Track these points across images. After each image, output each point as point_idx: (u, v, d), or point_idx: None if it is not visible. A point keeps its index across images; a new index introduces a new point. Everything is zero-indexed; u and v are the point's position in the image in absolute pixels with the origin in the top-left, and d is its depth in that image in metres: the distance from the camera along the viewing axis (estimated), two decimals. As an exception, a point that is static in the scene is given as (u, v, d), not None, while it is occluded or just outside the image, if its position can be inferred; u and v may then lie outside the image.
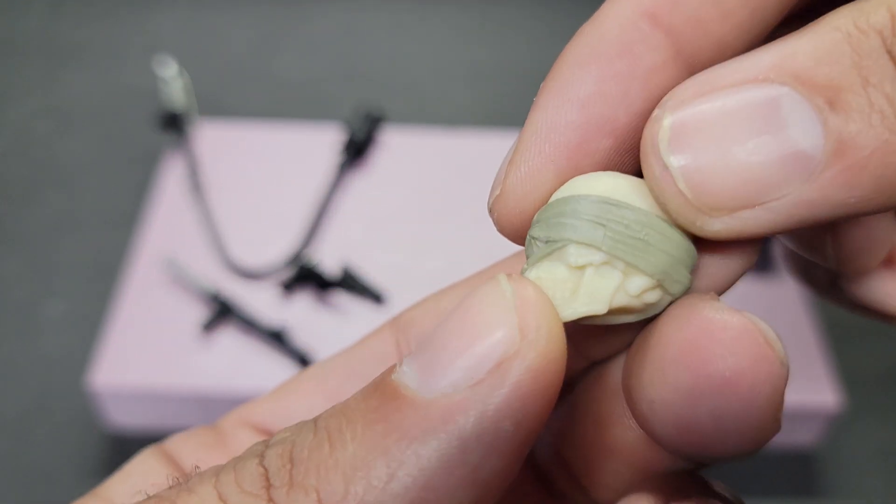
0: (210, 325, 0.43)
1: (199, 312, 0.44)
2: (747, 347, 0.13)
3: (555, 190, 0.15)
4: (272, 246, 0.48)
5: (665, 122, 0.14)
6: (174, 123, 0.52)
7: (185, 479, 0.14)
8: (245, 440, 0.19)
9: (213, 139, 0.53)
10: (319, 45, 0.66)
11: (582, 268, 0.14)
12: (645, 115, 0.15)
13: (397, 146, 0.53)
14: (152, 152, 0.56)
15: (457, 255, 0.47)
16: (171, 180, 0.50)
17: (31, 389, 0.45)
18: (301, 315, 0.45)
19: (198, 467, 0.15)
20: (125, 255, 0.50)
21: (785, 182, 0.13)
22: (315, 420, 0.14)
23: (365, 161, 0.52)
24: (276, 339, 0.43)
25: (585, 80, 0.15)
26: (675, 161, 0.14)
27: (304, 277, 0.45)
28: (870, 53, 0.13)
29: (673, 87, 0.15)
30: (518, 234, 0.16)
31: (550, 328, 0.13)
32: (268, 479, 0.13)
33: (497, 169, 0.16)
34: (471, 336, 0.13)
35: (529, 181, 0.15)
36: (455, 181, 0.51)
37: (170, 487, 0.14)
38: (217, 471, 0.14)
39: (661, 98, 0.15)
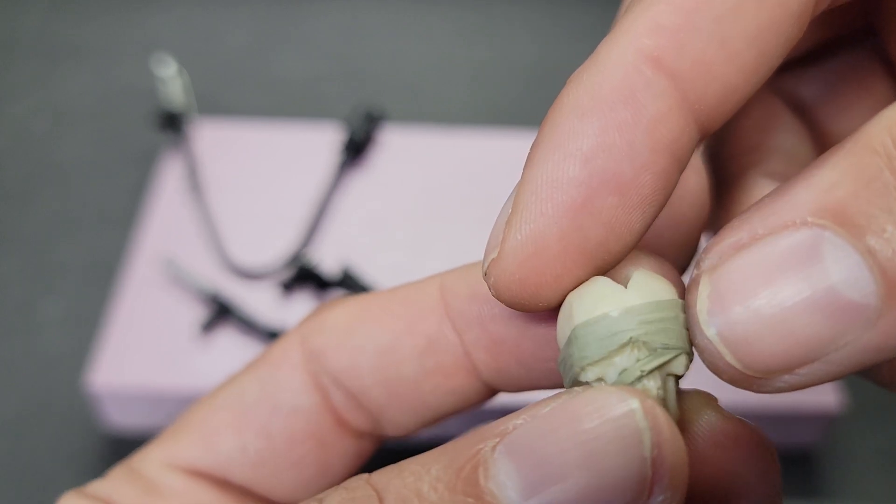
0: (209, 326, 0.43)
1: (197, 312, 0.44)
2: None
3: (559, 255, 0.14)
4: (271, 246, 0.48)
5: (702, 289, 0.13)
6: (173, 122, 0.52)
7: None
8: (180, 487, 0.18)
9: (212, 138, 0.53)
10: (319, 43, 0.66)
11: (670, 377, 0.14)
12: (651, 168, 0.14)
13: (397, 146, 0.53)
14: (151, 151, 0.56)
15: (457, 255, 0.47)
16: (169, 180, 0.50)
17: (29, 389, 0.45)
18: (300, 315, 0.44)
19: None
20: (123, 255, 0.50)
21: (840, 335, 0.12)
22: (381, 497, 0.13)
23: (364, 160, 0.52)
24: (276, 339, 0.43)
25: (587, 132, 0.14)
26: (718, 331, 0.12)
27: (304, 277, 0.45)
28: None
29: (679, 136, 0.14)
30: (517, 302, 0.15)
31: (681, 485, 0.12)
32: None
33: (492, 225, 0.15)
34: (592, 477, 0.12)
35: (531, 245, 0.14)
36: (455, 181, 0.51)
37: None
38: None
39: (668, 148, 0.14)
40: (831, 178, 0.12)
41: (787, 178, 0.21)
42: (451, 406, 0.18)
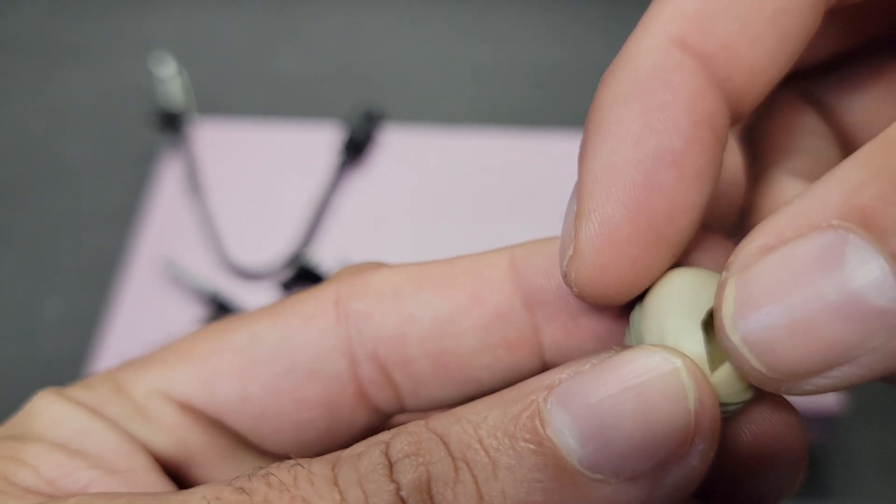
0: (209, 326, 0.43)
1: (197, 312, 0.44)
2: None
3: (632, 236, 0.14)
4: (271, 245, 0.47)
5: (728, 293, 0.13)
6: (172, 122, 0.52)
7: (290, 479, 0.13)
8: (171, 420, 0.17)
9: (212, 138, 0.53)
10: (319, 43, 0.66)
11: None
12: (699, 141, 0.14)
13: (397, 145, 0.53)
14: (150, 151, 0.56)
15: (457, 255, 0.47)
16: (169, 179, 0.50)
17: (30, 390, 0.44)
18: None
19: (296, 462, 0.13)
20: (123, 255, 0.50)
21: (866, 340, 0.12)
22: (444, 440, 0.13)
23: (364, 160, 0.52)
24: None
25: (632, 116, 0.14)
26: (743, 335, 0.13)
27: (303, 277, 0.45)
28: None
29: (715, 112, 0.14)
30: (601, 294, 0.15)
31: (716, 437, 0.13)
32: None
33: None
34: (644, 425, 0.12)
35: (604, 232, 0.14)
36: (455, 181, 0.51)
37: (268, 483, 0.13)
38: (334, 480, 0.13)
39: (707, 122, 0.14)
40: (857, 180, 0.12)
41: (812, 176, 0.22)
42: (499, 381, 0.18)
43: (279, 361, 0.17)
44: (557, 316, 0.17)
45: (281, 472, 0.13)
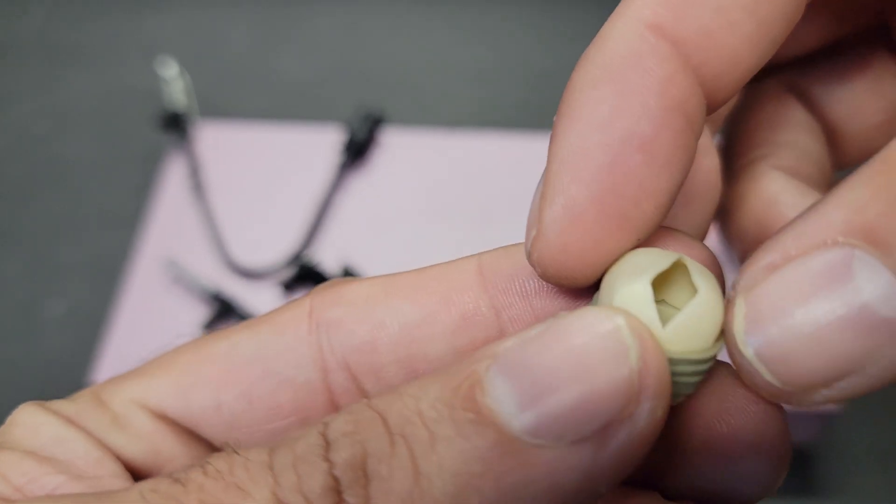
0: (211, 325, 0.43)
1: (199, 312, 0.44)
2: None
3: (596, 219, 0.14)
4: (273, 246, 0.48)
5: (738, 310, 0.13)
6: (175, 124, 0.52)
7: (226, 467, 0.13)
8: (146, 429, 0.17)
9: (214, 140, 0.53)
10: (320, 45, 0.66)
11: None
12: (669, 126, 0.14)
13: (398, 147, 0.53)
14: (153, 153, 0.57)
15: (456, 256, 0.47)
16: (171, 181, 0.50)
17: (32, 390, 0.45)
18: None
19: (232, 450, 0.13)
20: (126, 256, 0.50)
21: (876, 351, 0.12)
22: (383, 417, 0.13)
23: (365, 162, 0.52)
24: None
25: (603, 99, 0.14)
26: (756, 350, 0.13)
27: (305, 277, 0.45)
28: None
29: (688, 97, 0.14)
30: (562, 275, 0.15)
31: (665, 394, 0.13)
32: (339, 493, 0.12)
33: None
34: (584, 387, 0.12)
35: (568, 213, 0.14)
36: (455, 182, 0.51)
37: (203, 472, 0.13)
38: (269, 465, 0.13)
39: (679, 108, 0.14)
40: (861, 198, 0.12)
41: (797, 172, 0.22)
42: None
43: (253, 370, 0.17)
44: (523, 317, 0.17)
45: (218, 460, 0.13)
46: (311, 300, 0.18)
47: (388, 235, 0.49)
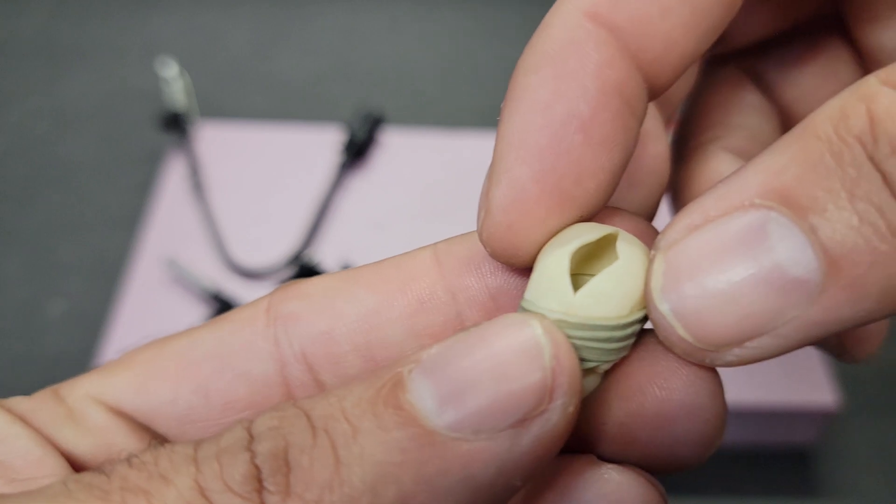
0: (211, 325, 0.43)
1: (200, 312, 0.44)
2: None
3: (539, 197, 0.15)
4: (273, 246, 0.48)
5: (657, 267, 0.14)
6: (175, 124, 0.52)
7: (151, 458, 0.13)
8: (100, 423, 0.17)
9: (214, 140, 0.53)
10: (320, 45, 0.67)
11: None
12: (606, 107, 0.15)
13: (397, 147, 0.53)
14: (153, 153, 0.57)
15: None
16: (172, 180, 0.50)
17: (32, 389, 0.45)
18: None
19: (158, 444, 0.14)
20: (127, 255, 0.50)
21: (786, 309, 0.13)
22: (308, 413, 0.13)
23: (365, 161, 0.52)
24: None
25: (543, 83, 0.15)
26: (672, 306, 0.13)
27: (304, 276, 0.45)
28: (852, 163, 0.12)
29: (626, 80, 0.15)
30: (509, 252, 0.15)
31: (576, 392, 0.13)
32: (260, 481, 0.13)
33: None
34: (501, 387, 0.13)
35: (511, 192, 0.15)
36: (455, 182, 0.51)
37: (129, 464, 0.13)
38: (193, 456, 0.13)
39: (616, 90, 0.15)
40: (779, 163, 0.13)
41: (748, 154, 0.22)
42: None
43: (210, 364, 0.17)
44: (479, 298, 0.17)
45: (144, 454, 0.13)
46: (271, 296, 0.18)
47: (387, 235, 0.49)
